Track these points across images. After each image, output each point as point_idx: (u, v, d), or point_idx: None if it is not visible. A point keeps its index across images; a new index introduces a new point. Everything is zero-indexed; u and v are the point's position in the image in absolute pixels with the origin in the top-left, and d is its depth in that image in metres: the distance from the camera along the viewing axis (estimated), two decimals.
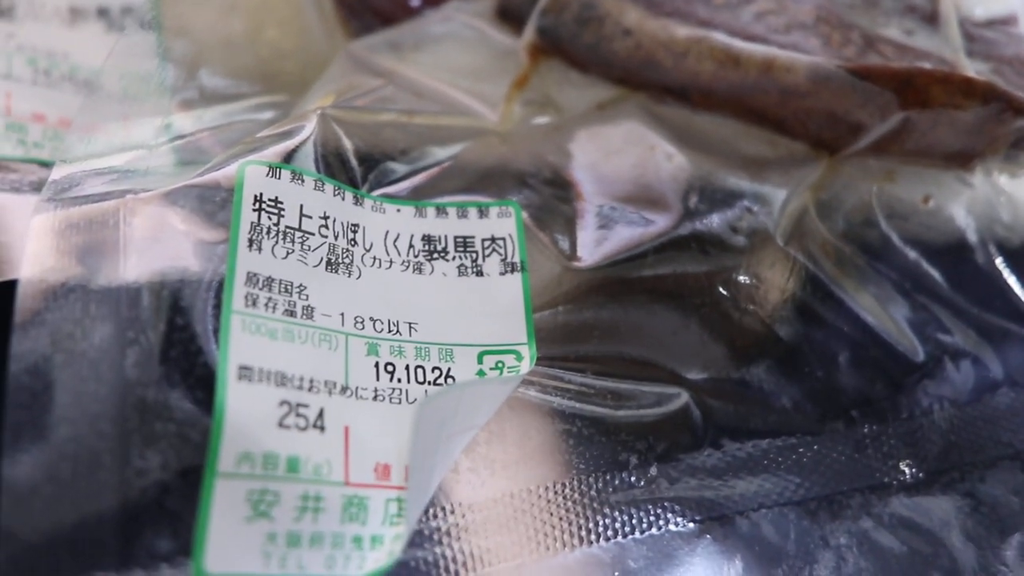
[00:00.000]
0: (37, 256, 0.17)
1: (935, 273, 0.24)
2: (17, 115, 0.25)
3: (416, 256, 0.21)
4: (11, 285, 0.19)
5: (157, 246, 0.18)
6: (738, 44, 0.23)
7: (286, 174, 0.20)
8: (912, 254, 0.24)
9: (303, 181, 0.20)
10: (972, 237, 0.24)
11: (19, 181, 0.23)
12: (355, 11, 0.28)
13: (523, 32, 0.26)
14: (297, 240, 0.19)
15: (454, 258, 0.21)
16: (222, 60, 0.29)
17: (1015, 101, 0.22)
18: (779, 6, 0.24)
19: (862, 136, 0.24)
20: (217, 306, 0.17)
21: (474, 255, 0.21)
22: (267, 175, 0.19)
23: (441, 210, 0.22)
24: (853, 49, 0.24)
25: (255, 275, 0.18)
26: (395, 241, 0.21)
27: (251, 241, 0.18)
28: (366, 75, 0.26)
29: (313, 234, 0.19)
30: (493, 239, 0.21)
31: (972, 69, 0.24)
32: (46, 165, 0.24)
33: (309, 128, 0.21)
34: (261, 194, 0.19)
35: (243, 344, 0.17)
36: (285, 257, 0.19)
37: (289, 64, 0.30)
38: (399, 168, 0.23)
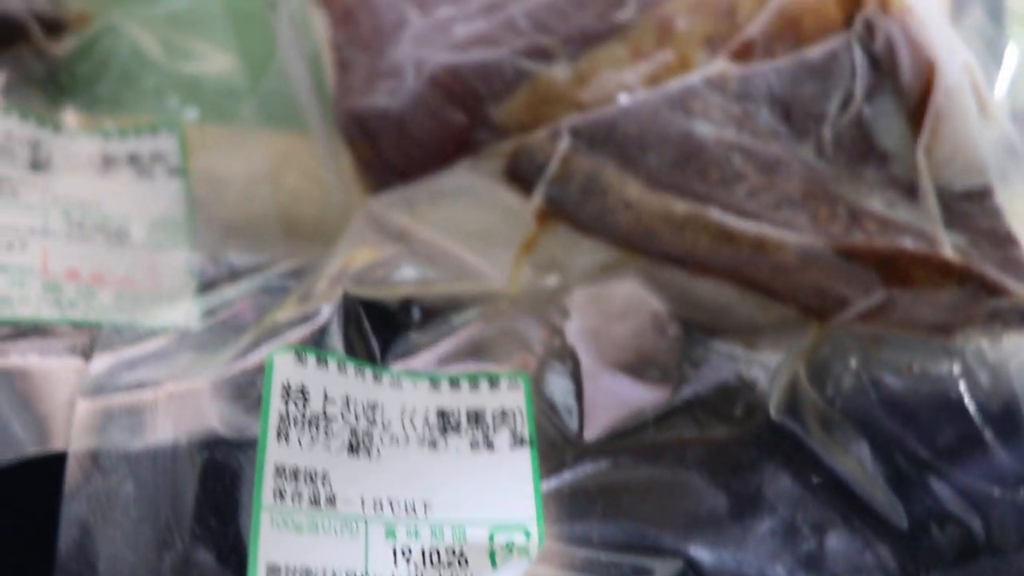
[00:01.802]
0: (78, 456, 0.18)
1: (920, 438, 0.25)
2: (53, 273, 0.27)
3: (431, 431, 0.22)
4: (52, 459, 0.21)
5: (191, 440, 0.19)
6: (732, 221, 0.25)
7: (311, 359, 0.21)
8: (898, 419, 0.25)
9: (327, 365, 0.21)
10: (956, 402, 0.25)
11: (58, 347, 0.24)
12: (371, 166, 0.30)
13: (532, 196, 0.28)
14: (321, 427, 0.20)
15: (467, 432, 0.22)
16: (243, 206, 0.31)
17: (989, 282, 0.24)
18: (769, 182, 0.26)
19: (848, 308, 0.25)
20: (247, 502, 0.19)
21: (485, 429, 0.22)
22: (295, 362, 0.21)
23: (454, 383, 0.23)
24: (839, 225, 0.26)
25: (283, 467, 0.19)
26: (411, 417, 0.22)
27: (279, 433, 0.20)
28: (383, 238, 0.28)
29: (336, 419, 0.21)
30: (503, 413, 0.23)
31: (950, 241, 0.26)
32: (79, 326, 0.26)
33: (332, 308, 0.23)
34: (289, 383, 0.20)
35: (271, 542, 0.18)
36: (310, 445, 0.20)
37: (307, 209, 0.32)
38: (416, 338, 0.24)
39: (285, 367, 0.20)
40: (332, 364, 0.21)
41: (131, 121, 0.32)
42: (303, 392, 0.20)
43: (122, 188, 0.31)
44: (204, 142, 0.32)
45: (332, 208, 0.31)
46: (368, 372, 0.22)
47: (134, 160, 0.32)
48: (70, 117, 0.32)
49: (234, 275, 0.25)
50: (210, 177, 0.32)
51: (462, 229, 0.28)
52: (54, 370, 0.24)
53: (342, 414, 0.21)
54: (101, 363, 0.21)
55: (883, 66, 0.27)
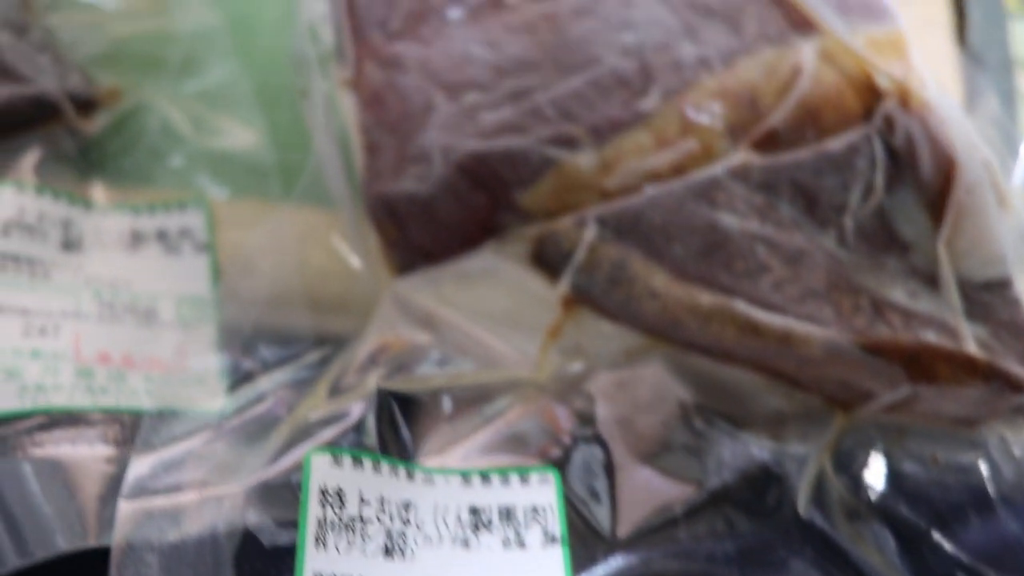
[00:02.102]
0: (118, 558, 0.19)
1: (945, 531, 0.25)
2: (85, 358, 0.27)
3: (463, 529, 0.22)
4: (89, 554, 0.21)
5: (230, 545, 0.19)
6: (758, 314, 0.26)
7: (347, 460, 0.21)
8: (923, 511, 0.25)
9: (363, 465, 0.21)
10: (981, 494, 0.25)
11: (90, 435, 0.24)
12: (398, 247, 0.30)
13: (557, 282, 0.28)
14: (357, 530, 0.20)
15: (498, 530, 0.22)
16: (269, 282, 0.31)
17: (1013, 379, 0.24)
18: (794, 274, 0.27)
19: (873, 401, 0.25)
20: None
21: (517, 526, 0.22)
22: (331, 464, 0.21)
23: (485, 478, 0.23)
24: (863, 318, 0.26)
25: (320, 575, 0.19)
26: (444, 515, 0.22)
27: (317, 539, 0.20)
28: (411, 322, 0.28)
29: (371, 522, 0.21)
30: (535, 509, 0.23)
31: (971, 333, 0.26)
32: (111, 413, 0.26)
33: (364, 404, 0.23)
34: (326, 487, 0.20)
35: None
36: (347, 549, 0.20)
37: (332, 285, 0.32)
38: (447, 431, 0.24)
39: (322, 470, 0.21)
40: (367, 464, 0.22)
41: (159, 196, 0.33)
42: (340, 495, 0.21)
43: (150, 265, 0.31)
44: (230, 218, 0.33)
45: (358, 284, 0.31)
46: (402, 470, 0.22)
47: (162, 236, 0.32)
48: (99, 193, 0.33)
49: (265, 367, 0.25)
50: (236, 253, 0.32)
51: (488, 313, 0.28)
52: (87, 461, 0.24)
53: (377, 516, 0.21)
54: (141, 465, 0.21)
55: (903, 159, 0.28)
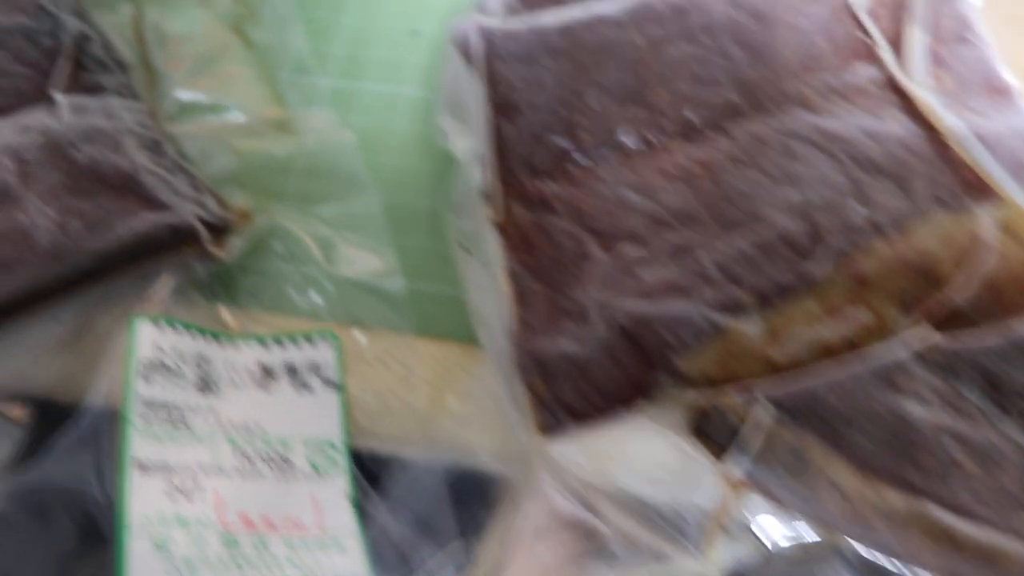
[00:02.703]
0: None
1: None
2: (228, 523, 0.26)
3: None
4: None
5: None
6: (956, 523, 0.24)
7: None
8: None
9: None
10: None
11: None
12: (546, 404, 0.29)
13: (722, 458, 0.26)
14: None
15: None
16: (400, 424, 0.30)
17: None
18: (988, 475, 0.25)
19: None
20: None
21: None
22: None
23: None
24: None
25: None
26: None
27: None
28: (569, 496, 0.26)
29: None
30: None
31: None
32: None
33: None
34: None
35: None
36: None
37: (468, 429, 0.30)
38: None
39: None
40: None
41: (288, 328, 0.32)
42: None
43: (281, 403, 0.30)
44: (361, 352, 0.31)
45: (495, 430, 0.30)
46: None
47: (291, 371, 0.31)
48: (229, 321, 0.32)
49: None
50: (367, 390, 0.31)
51: (646, 484, 0.27)
52: None
53: None
54: None
55: None
